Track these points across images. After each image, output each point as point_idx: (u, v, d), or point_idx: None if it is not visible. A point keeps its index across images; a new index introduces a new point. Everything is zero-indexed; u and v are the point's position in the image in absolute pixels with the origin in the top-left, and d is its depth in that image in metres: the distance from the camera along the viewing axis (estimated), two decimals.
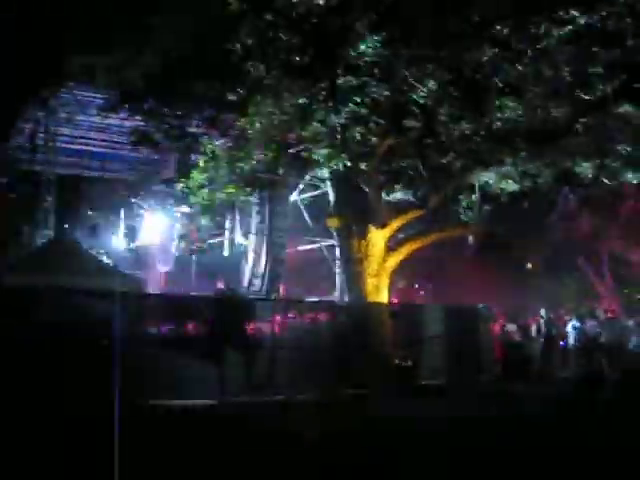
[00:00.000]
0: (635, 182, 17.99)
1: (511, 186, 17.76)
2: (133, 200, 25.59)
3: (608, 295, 34.09)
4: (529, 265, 34.97)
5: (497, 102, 15.47)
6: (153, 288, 23.18)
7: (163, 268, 25.18)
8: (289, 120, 16.25)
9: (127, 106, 19.73)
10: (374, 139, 16.74)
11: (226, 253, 24.35)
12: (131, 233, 25.57)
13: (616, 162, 17.08)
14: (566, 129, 16.24)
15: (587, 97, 15.32)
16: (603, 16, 13.68)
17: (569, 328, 21.71)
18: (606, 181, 17.74)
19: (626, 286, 37.42)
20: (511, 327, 21.80)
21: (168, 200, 23.56)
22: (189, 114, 19.67)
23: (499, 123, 15.96)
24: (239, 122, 17.28)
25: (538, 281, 34.54)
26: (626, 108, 15.37)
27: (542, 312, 22.78)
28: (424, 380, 17.07)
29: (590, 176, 17.53)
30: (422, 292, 34.41)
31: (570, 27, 13.81)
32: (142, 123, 20.34)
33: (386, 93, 15.39)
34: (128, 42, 17.26)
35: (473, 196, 18.59)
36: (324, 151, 16.20)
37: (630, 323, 22.79)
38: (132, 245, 25.38)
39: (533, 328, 22.24)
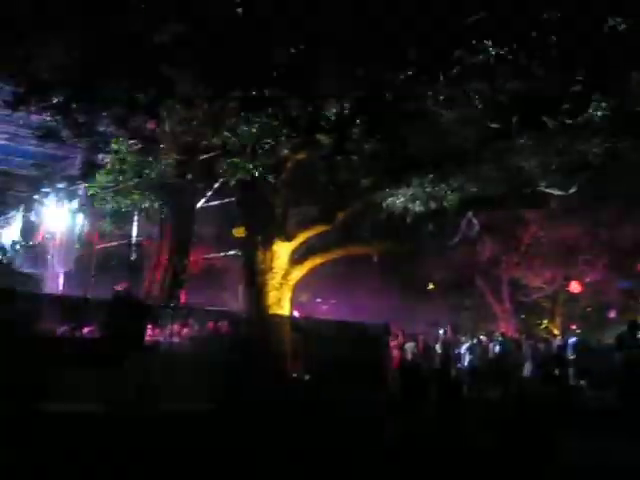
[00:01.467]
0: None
1: (417, 207, 18.00)
2: (35, 197, 24.84)
3: (506, 319, 34.98)
4: (430, 286, 35.53)
5: (408, 125, 15.73)
6: (51, 288, 22.60)
7: (62, 268, 24.51)
8: (200, 127, 16.06)
9: (34, 99, 19.11)
10: (284, 152, 16.76)
11: (130, 257, 23.93)
12: (29, 230, 24.80)
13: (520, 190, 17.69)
14: (474, 155, 16.60)
15: (495, 125, 15.74)
16: (514, 49, 14.01)
17: (463, 350, 22.16)
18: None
19: (523, 311, 38.50)
20: (409, 346, 22.11)
21: (72, 199, 23.02)
22: (98, 112, 19.16)
23: (409, 145, 16.23)
24: (149, 125, 17.02)
25: (439, 302, 35.15)
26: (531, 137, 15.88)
27: (440, 332, 23.20)
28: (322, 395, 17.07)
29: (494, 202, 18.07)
30: (325, 307, 34.52)
31: (482, 56, 14.08)
32: (49, 118, 19.71)
33: (298, 107, 15.44)
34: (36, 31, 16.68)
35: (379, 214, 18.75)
36: (233, 160, 16.11)
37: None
38: (30, 243, 24.62)
39: (435, 346, 22.61)
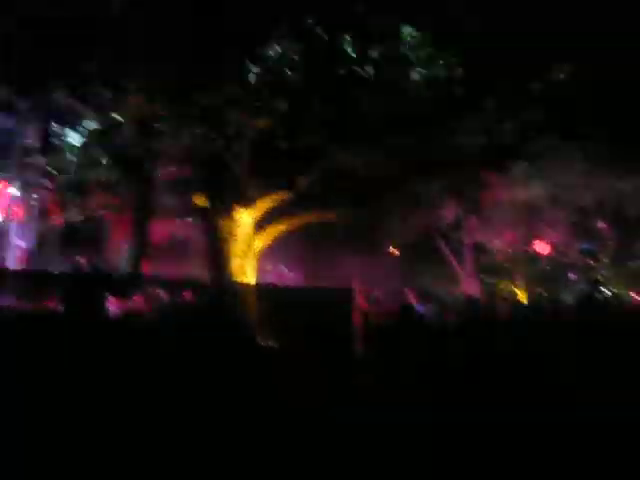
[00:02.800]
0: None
1: (378, 172, 18.04)
2: None
3: (468, 279, 35.33)
4: (394, 250, 35.70)
5: (369, 89, 15.76)
6: (11, 264, 22.35)
7: (23, 244, 24.22)
8: (162, 98, 15.94)
9: None
10: (246, 120, 16.70)
11: (93, 230, 23.72)
12: None
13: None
14: (435, 118, 16.69)
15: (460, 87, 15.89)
16: None
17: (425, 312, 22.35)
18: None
19: (485, 273, 38.90)
20: (373, 308, 22.21)
21: (31, 173, 22.67)
22: (56, 82, 18.85)
23: (371, 110, 16.26)
24: (110, 96, 16.82)
25: (402, 265, 35.38)
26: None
27: (405, 293, 23.29)
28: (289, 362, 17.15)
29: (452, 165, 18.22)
30: (290, 274, 34.56)
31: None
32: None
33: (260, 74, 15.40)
34: None
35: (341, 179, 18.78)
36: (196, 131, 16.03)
37: None
38: None
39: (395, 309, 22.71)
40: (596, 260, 40.07)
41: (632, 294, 27.39)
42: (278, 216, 19.49)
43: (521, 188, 28.72)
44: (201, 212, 19.47)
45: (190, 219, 23.05)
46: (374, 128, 16.88)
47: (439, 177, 20.89)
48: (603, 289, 20.19)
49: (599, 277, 38.10)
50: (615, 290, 24.72)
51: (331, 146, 17.37)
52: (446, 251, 35.44)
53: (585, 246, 35.97)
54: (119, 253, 21.14)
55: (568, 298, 30.08)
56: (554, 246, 34.56)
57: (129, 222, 21.16)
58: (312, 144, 17.36)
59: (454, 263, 35.70)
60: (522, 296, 35.90)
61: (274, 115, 16.99)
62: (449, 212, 30.66)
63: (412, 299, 23.06)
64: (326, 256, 31.11)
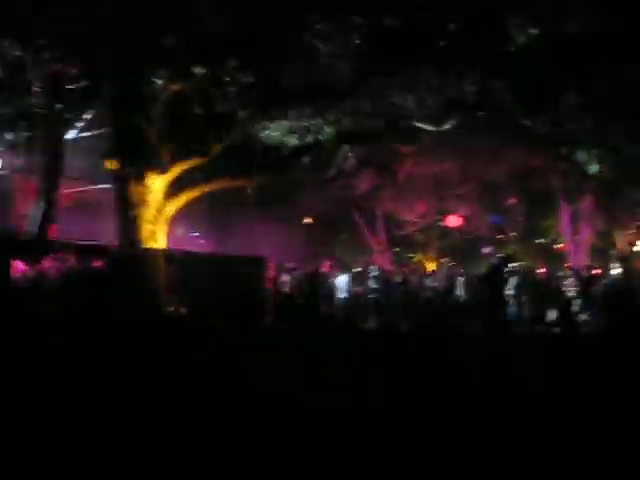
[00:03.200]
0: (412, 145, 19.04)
1: (293, 140, 17.99)
2: None
3: (381, 252, 35.73)
4: (308, 219, 35.77)
5: (286, 57, 15.67)
6: None
7: None
8: (70, 54, 15.50)
9: None
10: (160, 82, 16.40)
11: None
12: None
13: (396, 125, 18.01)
14: (351, 90, 16.70)
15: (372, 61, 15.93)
16: None
17: (340, 283, 22.55)
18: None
19: (398, 245, 39.43)
20: (285, 278, 22.31)
21: None
22: None
23: (286, 78, 16.19)
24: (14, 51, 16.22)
25: (315, 235, 35.52)
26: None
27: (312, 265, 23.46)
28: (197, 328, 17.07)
29: (370, 136, 18.34)
30: (202, 241, 34.29)
31: None
32: None
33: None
34: None
35: (256, 147, 18.66)
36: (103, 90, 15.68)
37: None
38: None
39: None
40: (505, 235, 41.05)
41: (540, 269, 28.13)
42: (191, 182, 19.26)
43: (434, 161, 29.12)
44: (112, 177, 19.05)
45: (101, 184, 22.52)
46: (292, 97, 16.81)
47: (356, 148, 20.97)
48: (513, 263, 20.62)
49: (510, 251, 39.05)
50: (524, 264, 25.32)
51: (247, 113, 17.23)
52: (360, 222, 35.73)
53: (494, 218, 36.74)
54: (25, 216, 20.51)
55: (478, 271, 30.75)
56: (465, 220, 35.19)
57: (36, 184, 20.54)
58: (227, 111, 17.18)
59: (368, 234, 36.03)
60: (433, 268, 36.51)
61: (190, 80, 16.74)
62: (363, 183, 30.88)
63: (325, 268, 23.25)
64: (239, 224, 30.97)
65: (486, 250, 40.19)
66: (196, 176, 19.32)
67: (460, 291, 22.92)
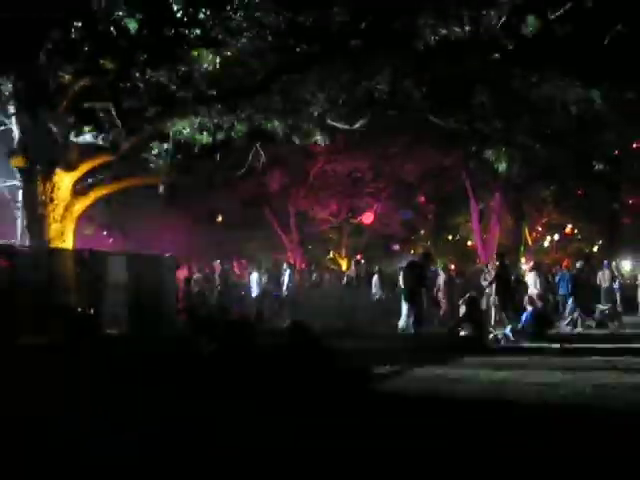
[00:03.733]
0: (323, 144, 19.07)
1: (205, 138, 17.80)
2: None
3: (294, 249, 35.79)
4: (219, 217, 35.57)
5: (195, 53, 15.44)
6: None
7: None
8: None
9: None
10: (67, 77, 15.96)
11: None
12: None
13: (307, 124, 17.98)
14: (262, 87, 16.59)
15: (284, 57, 15.85)
16: None
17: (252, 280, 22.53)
18: (296, 141, 18.61)
19: (310, 242, 39.57)
20: (197, 277, 22.14)
21: None
22: None
23: (196, 74, 15.97)
24: None
25: (227, 233, 35.34)
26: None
27: (224, 263, 23.35)
28: (108, 329, 16.71)
29: (281, 134, 18.24)
30: (111, 240, 33.64)
31: None
32: None
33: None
34: None
35: (165, 145, 18.36)
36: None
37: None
38: None
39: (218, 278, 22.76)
40: (416, 232, 41.67)
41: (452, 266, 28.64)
42: (100, 180, 18.83)
43: (346, 159, 29.29)
44: (19, 174, 18.47)
45: (5, 181, 21.83)
46: (203, 93, 16.61)
47: (268, 146, 20.88)
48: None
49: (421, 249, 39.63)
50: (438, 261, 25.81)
51: (157, 110, 16.93)
52: (272, 220, 35.69)
53: (405, 216, 37.20)
54: None
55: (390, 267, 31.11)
56: (377, 217, 35.55)
57: None
58: (137, 107, 16.85)
59: (280, 232, 36.03)
60: (345, 265, 36.79)
61: (99, 75, 16.34)
62: (275, 181, 30.85)
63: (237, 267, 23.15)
64: (150, 223, 30.51)
65: (396, 247, 40.80)
66: (105, 174, 18.91)
67: (376, 289, 23.18)
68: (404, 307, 17.78)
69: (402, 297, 17.91)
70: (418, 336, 16.17)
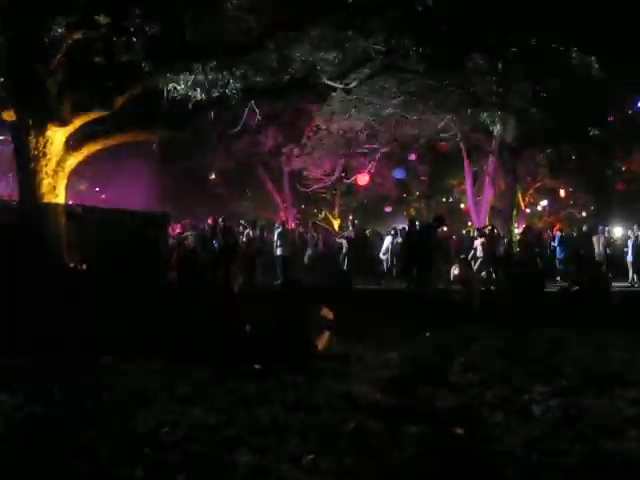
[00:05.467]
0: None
1: (199, 94, 17.66)
2: None
3: (286, 208, 35.78)
4: (212, 175, 35.46)
5: (191, 8, 15.30)
6: None
7: None
8: None
9: None
10: (60, 31, 15.76)
11: None
12: None
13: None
14: (258, 44, 16.44)
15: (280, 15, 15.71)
16: None
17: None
18: None
19: (303, 202, 39.56)
20: (189, 234, 22.11)
21: None
22: None
23: (191, 30, 15.83)
24: None
25: (220, 191, 35.29)
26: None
27: (220, 220, 23.26)
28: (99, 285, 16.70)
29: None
30: (103, 195, 33.58)
31: None
32: None
33: None
34: None
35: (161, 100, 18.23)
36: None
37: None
38: None
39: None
40: (410, 193, 41.65)
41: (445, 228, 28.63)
42: (93, 134, 18.70)
43: (341, 118, 29.12)
44: (10, 128, 18.32)
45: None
46: (198, 49, 16.45)
47: (262, 104, 20.77)
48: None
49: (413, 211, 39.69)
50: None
51: (151, 65, 16.77)
52: (266, 179, 35.61)
53: (398, 175, 37.06)
54: None
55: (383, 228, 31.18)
56: (371, 177, 35.44)
57: None
58: (131, 61, 16.68)
59: (273, 191, 35.98)
60: (337, 225, 36.83)
61: (92, 28, 16.13)
62: (269, 140, 30.72)
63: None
64: (143, 179, 30.39)
65: (388, 209, 40.83)
66: (99, 129, 18.78)
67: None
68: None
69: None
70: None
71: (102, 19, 15.62)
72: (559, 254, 23.84)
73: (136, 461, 4.31)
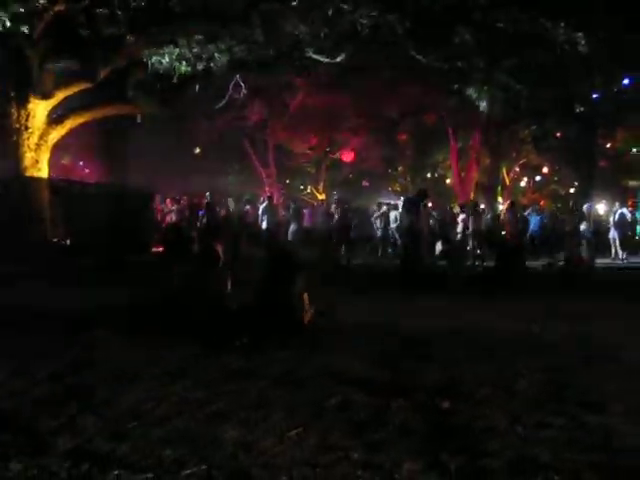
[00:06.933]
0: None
1: (184, 67, 17.52)
2: None
3: (271, 183, 35.68)
4: (197, 149, 35.27)
5: None
6: None
7: None
8: None
9: None
10: (42, 1, 15.55)
11: None
12: None
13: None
14: (243, 17, 16.30)
15: None
16: None
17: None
18: None
19: (288, 176, 39.47)
20: (174, 208, 22.04)
21: None
22: None
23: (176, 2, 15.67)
24: None
25: (205, 165, 35.13)
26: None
27: (207, 195, 23.17)
28: (82, 258, 16.61)
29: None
30: (87, 170, 33.36)
31: None
32: None
33: None
34: None
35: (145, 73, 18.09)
36: None
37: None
38: None
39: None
40: (395, 168, 41.62)
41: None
42: (76, 108, 18.55)
43: (326, 93, 29.01)
44: None
45: None
46: (183, 22, 16.30)
47: (247, 77, 20.64)
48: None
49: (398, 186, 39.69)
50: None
51: (135, 38, 16.62)
52: (251, 153, 35.47)
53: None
54: None
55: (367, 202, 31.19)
56: (356, 153, 35.40)
57: None
58: (115, 34, 16.51)
59: (258, 165, 35.86)
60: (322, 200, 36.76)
61: (75, 1, 15.94)
62: (255, 114, 30.54)
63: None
64: (127, 153, 30.15)
65: (365, 184, 40.86)
66: (82, 102, 18.63)
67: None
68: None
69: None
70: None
71: None
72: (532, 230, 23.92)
73: (119, 437, 4.28)
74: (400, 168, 41.89)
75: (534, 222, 24.34)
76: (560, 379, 5.91)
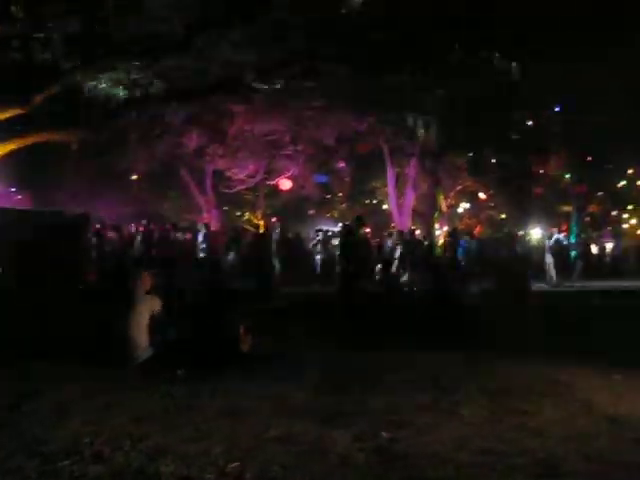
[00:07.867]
0: None
1: (121, 93, 17.35)
2: None
3: (209, 210, 35.44)
4: (134, 176, 34.87)
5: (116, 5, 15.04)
6: None
7: None
8: None
9: None
10: None
11: None
12: None
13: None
14: (182, 45, 16.26)
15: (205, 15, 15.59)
16: None
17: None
18: None
19: (226, 203, 39.31)
20: (111, 234, 21.77)
21: None
22: None
23: (114, 29, 15.56)
24: None
25: (142, 192, 34.78)
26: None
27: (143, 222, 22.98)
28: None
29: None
30: (19, 197, 32.63)
31: None
32: None
33: None
34: None
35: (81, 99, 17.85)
36: None
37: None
38: None
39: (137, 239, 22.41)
40: (333, 194, 41.82)
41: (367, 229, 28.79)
42: (9, 133, 18.19)
43: (264, 120, 29.08)
44: None
45: None
46: (121, 48, 16.17)
47: (184, 104, 20.55)
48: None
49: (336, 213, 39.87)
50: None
51: (71, 64, 16.40)
52: (189, 180, 35.23)
53: (321, 179, 37.23)
54: None
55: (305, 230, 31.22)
56: (294, 180, 35.45)
57: None
58: (50, 60, 16.27)
59: (196, 192, 35.62)
60: (262, 227, 36.67)
61: (8, 24, 15.68)
62: (192, 140, 30.39)
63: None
64: (62, 179, 29.71)
65: (311, 212, 40.95)
66: (15, 127, 18.27)
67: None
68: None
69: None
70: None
71: (18, 14, 15.20)
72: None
73: (54, 476, 4.14)
74: (340, 194, 42.06)
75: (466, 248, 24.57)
76: None
